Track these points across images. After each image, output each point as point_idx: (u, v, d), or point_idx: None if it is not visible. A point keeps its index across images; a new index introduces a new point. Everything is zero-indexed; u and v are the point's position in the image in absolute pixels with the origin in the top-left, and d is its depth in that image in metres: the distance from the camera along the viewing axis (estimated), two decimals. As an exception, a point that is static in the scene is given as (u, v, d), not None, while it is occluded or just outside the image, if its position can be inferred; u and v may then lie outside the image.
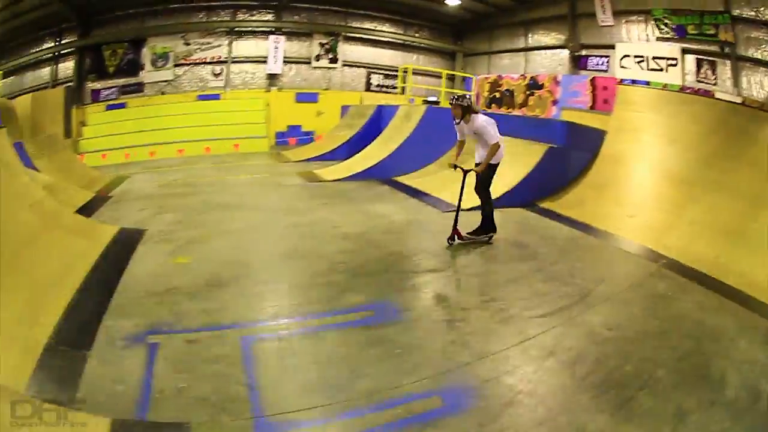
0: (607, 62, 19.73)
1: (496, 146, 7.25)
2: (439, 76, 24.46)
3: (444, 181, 10.65)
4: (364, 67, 25.97)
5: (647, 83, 16.67)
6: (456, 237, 7.55)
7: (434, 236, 7.93)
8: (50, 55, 25.06)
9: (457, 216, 7.53)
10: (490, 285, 5.97)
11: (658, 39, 17.52)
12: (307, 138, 23.90)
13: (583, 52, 20.84)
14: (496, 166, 7.52)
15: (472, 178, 7.60)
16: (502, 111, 20.99)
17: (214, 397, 3.83)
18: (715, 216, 7.32)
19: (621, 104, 10.38)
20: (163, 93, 24.03)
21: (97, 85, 24.31)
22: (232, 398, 3.84)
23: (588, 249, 7.47)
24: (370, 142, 15.03)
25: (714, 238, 6.94)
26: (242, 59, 24.45)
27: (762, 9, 14.20)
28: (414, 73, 24.05)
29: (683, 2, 16.35)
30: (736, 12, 14.83)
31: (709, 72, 15.92)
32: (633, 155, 9.46)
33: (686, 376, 4.05)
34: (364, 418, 3.62)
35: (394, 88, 25.82)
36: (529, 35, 23.50)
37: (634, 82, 16.62)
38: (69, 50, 24.79)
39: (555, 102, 19.90)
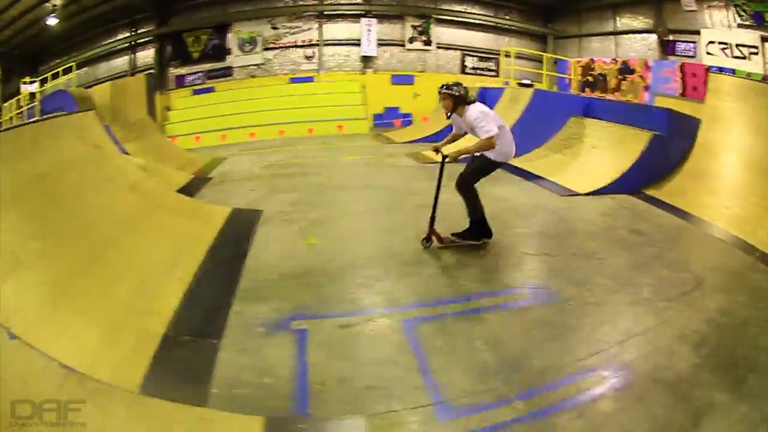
0: (695, 48, 19.15)
1: (490, 140, 6.10)
2: (532, 59, 23.86)
3: (557, 165, 10.62)
4: (458, 49, 25.44)
5: (733, 72, 16.12)
6: (433, 238, 6.60)
7: (561, 220, 7.81)
8: (126, 44, 26.11)
9: (433, 213, 6.58)
10: (620, 269, 5.85)
11: (739, 26, 17.09)
12: (406, 120, 23.51)
13: (671, 37, 20.34)
14: (491, 163, 6.47)
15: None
16: (596, 95, 20.30)
17: (384, 385, 3.60)
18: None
19: (712, 92, 9.94)
20: (253, 76, 24.36)
21: (181, 70, 25.15)
22: (403, 385, 3.62)
23: (694, 238, 7.39)
24: None
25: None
26: (334, 42, 24.38)
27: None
28: (509, 56, 23.51)
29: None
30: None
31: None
32: (725, 145, 9.13)
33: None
34: (541, 396, 3.53)
35: (489, 70, 25.46)
36: (618, 18, 22.84)
37: (720, 69, 15.82)
38: (146, 39, 25.71)
39: (647, 88, 19.03)
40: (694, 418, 3.29)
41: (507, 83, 21.02)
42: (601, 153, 10.09)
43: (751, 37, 16.32)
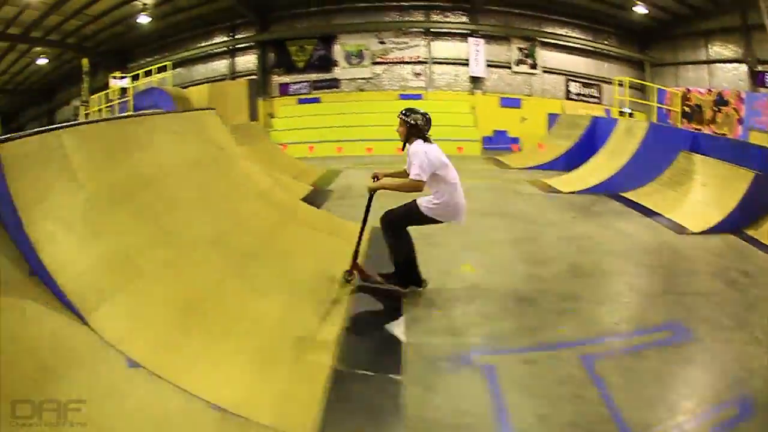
0: (787, 80, 18.13)
1: (414, 183, 5.42)
2: (632, 87, 23.05)
3: (670, 201, 10.62)
4: (563, 74, 25.47)
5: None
6: (355, 273, 5.97)
7: (679, 258, 7.82)
8: (225, 48, 26.82)
9: (357, 247, 6.00)
10: (737, 308, 5.86)
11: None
12: (507, 145, 23.10)
13: (760, 68, 20.08)
14: (421, 216, 5.71)
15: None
16: (692, 127, 20.33)
17: (583, 422, 3.61)
18: None
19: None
20: (361, 90, 24.84)
21: (285, 79, 25.76)
22: (597, 420, 3.63)
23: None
24: (588, 154, 14.76)
25: None
26: (442, 60, 24.66)
27: None
28: (606, 83, 24.03)
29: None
30: None
31: None
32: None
33: None
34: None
35: (593, 97, 25.46)
36: (709, 46, 22.67)
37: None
38: (246, 44, 26.38)
39: (740, 120, 18.93)
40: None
41: (608, 111, 21.35)
42: (709, 191, 10.04)
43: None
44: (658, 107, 19.93)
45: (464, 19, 24.51)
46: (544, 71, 25.10)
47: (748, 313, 5.72)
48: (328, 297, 5.29)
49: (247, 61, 26.80)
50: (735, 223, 9.27)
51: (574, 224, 9.14)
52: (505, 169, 17.44)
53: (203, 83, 25.80)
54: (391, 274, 5.92)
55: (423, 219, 5.72)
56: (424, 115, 5.81)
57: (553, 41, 25.19)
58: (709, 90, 20.98)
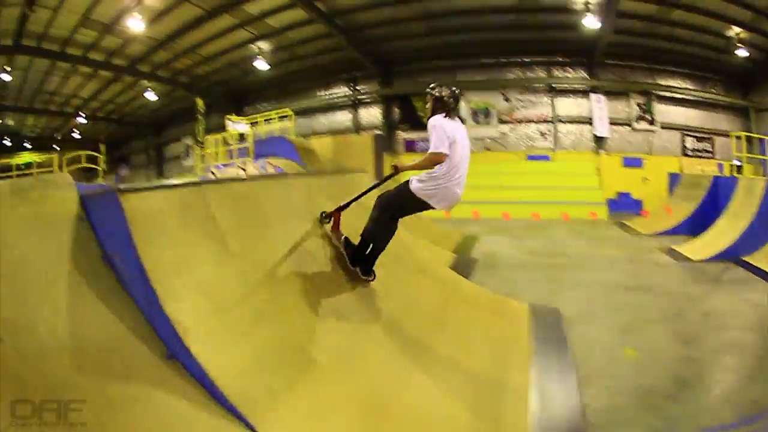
0: None
1: (433, 156, 5.21)
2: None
3: None
4: (679, 129, 25.03)
5: None
6: (332, 221, 5.95)
7: None
8: (347, 100, 27.36)
9: (350, 202, 5.92)
10: None
11: None
12: (634, 210, 22.21)
13: None
14: (412, 197, 5.44)
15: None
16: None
17: None
18: None
19: None
20: (488, 149, 24.91)
21: (411, 135, 26.08)
22: None
23: None
24: (712, 216, 14.63)
25: None
26: (566, 119, 24.76)
27: None
28: (718, 135, 23.95)
29: None
30: None
31: None
32: None
33: None
34: None
35: (706, 152, 24.90)
36: None
37: None
38: (369, 99, 26.87)
39: None
40: None
41: (721, 166, 20.95)
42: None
43: None
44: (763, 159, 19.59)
45: (584, 74, 24.61)
46: (662, 127, 24.81)
47: None
48: (508, 387, 4.74)
49: (371, 114, 27.39)
50: None
51: (710, 297, 8.82)
52: (635, 235, 17.20)
53: (326, 134, 26.59)
54: (352, 244, 5.75)
55: (411, 201, 5.46)
56: (453, 91, 5.55)
57: (667, 94, 24.89)
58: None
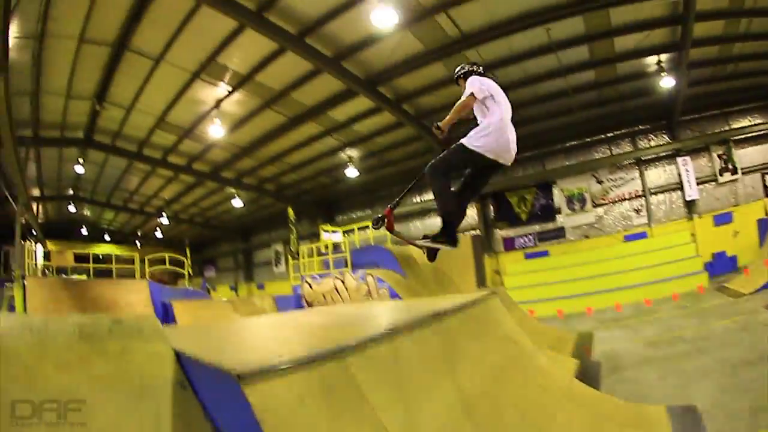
0: None
1: (465, 100, 5.45)
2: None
3: None
4: (759, 170, 23.29)
5: None
6: (386, 220, 6.12)
7: None
8: None
9: (404, 193, 6.37)
10: None
11: None
12: (731, 270, 21.00)
13: None
14: (466, 151, 5.53)
15: None
16: None
17: None
18: None
19: None
20: (586, 237, 24.58)
21: (510, 232, 25.87)
22: None
23: None
24: None
25: None
26: (656, 189, 24.18)
27: None
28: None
29: None
30: None
31: None
32: None
33: None
34: None
35: None
36: None
37: None
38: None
39: None
40: None
41: None
42: None
43: None
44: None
45: (666, 138, 24.05)
46: (743, 172, 23.44)
47: None
48: None
49: (467, 215, 26.84)
50: None
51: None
52: (738, 297, 16.52)
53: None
54: (432, 234, 6.01)
55: (469, 157, 5.58)
56: (473, 63, 6.13)
57: (744, 136, 23.33)
58: None
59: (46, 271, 22.94)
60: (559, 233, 25.05)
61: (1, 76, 12.05)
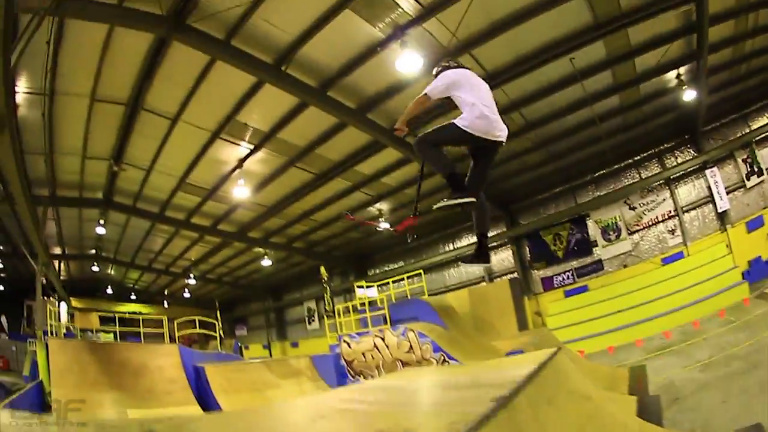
0: None
1: (417, 99, 5.88)
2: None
3: None
4: None
5: None
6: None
7: None
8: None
9: (417, 193, 7.54)
10: None
11: None
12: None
13: None
14: (458, 129, 5.68)
15: None
16: None
17: None
18: None
19: None
20: (625, 266, 24.23)
21: (547, 271, 25.62)
22: None
23: None
24: None
25: None
26: (688, 206, 23.77)
27: None
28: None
29: None
30: None
31: None
32: None
33: None
34: None
35: None
36: None
37: None
38: (498, 242, 26.70)
39: None
40: None
41: None
42: None
43: None
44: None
45: (692, 152, 23.76)
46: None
47: None
48: None
49: (502, 258, 27.26)
50: None
51: None
52: None
53: (458, 288, 26.59)
54: (452, 194, 6.06)
55: (457, 133, 5.73)
56: (449, 60, 6.36)
57: (764, 134, 22.57)
58: None
59: (71, 329, 23.12)
60: (597, 266, 24.80)
61: (6, 132, 11.53)
